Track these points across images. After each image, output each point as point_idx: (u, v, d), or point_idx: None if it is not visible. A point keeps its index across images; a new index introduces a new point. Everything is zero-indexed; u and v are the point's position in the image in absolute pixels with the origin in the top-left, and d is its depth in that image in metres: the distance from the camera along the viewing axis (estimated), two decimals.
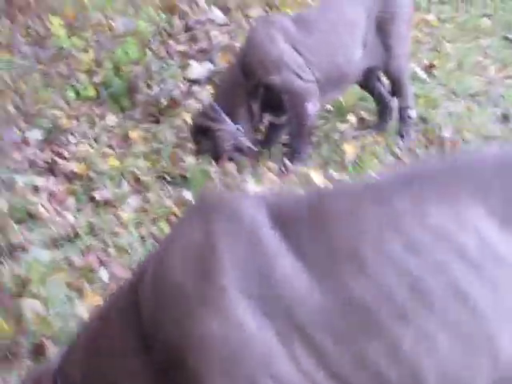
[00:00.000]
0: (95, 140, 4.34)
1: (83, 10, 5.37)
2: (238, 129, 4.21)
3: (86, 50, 4.94)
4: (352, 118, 4.84)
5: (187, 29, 6.12)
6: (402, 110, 4.58)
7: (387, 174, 1.83)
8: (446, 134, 4.54)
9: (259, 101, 4.21)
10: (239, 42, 6.05)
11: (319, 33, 4.22)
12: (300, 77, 4.09)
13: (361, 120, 4.88)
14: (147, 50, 5.14)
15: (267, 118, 4.46)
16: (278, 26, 4.17)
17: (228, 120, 4.19)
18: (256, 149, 4.29)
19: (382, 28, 4.34)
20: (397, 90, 4.58)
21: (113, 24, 5.16)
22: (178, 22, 6.00)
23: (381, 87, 4.70)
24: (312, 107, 4.14)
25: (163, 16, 5.70)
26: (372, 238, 1.33)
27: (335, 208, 1.41)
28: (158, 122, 4.72)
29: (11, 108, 4.19)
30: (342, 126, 4.74)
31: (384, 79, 4.67)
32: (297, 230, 1.36)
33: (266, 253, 1.34)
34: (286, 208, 1.44)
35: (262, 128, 4.55)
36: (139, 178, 3.85)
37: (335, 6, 4.40)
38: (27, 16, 5.24)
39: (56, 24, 4.97)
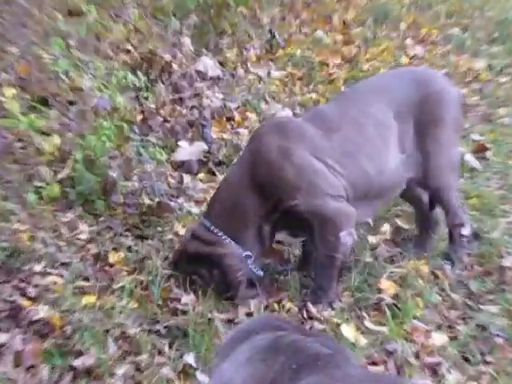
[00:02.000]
0: (65, 265, 4.47)
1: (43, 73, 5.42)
2: (246, 256, 4.45)
3: (48, 134, 5.01)
4: (386, 228, 5.10)
5: (172, 88, 6.35)
6: (452, 228, 4.87)
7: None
8: (508, 262, 4.80)
9: (273, 223, 4.47)
10: (235, 103, 6.36)
11: (343, 134, 4.49)
12: (331, 195, 4.33)
13: (397, 230, 5.14)
14: (126, 130, 5.27)
15: (281, 239, 4.75)
16: (294, 132, 4.43)
17: (233, 243, 4.42)
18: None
19: (421, 133, 4.64)
20: (441, 205, 4.89)
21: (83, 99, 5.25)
22: (160, 84, 6.21)
23: (422, 196, 5.00)
24: (347, 237, 4.37)
25: (142, 79, 5.79)
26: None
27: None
28: (142, 237, 4.92)
29: None
30: (374, 240, 5.01)
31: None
32: None
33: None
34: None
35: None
36: (126, 333, 3.97)
37: (359, 103, 4.65)
38: None
39: (8, 96, 4.98)
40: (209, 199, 4.85)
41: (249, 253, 4.40)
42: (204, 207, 4.91)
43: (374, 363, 3.91)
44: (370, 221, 4.97)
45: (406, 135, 4.57)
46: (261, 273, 4.46)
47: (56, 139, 5.03)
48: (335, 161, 4.36)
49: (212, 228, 4.40)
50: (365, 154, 4.44)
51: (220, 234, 4.38)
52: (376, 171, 4.45)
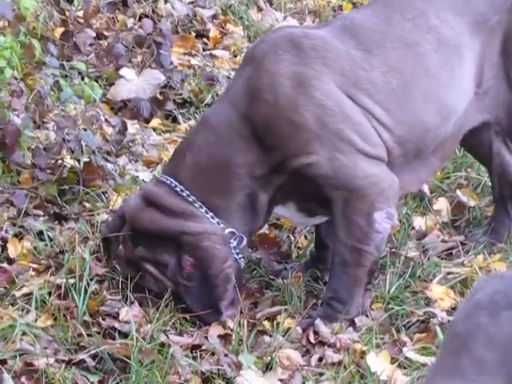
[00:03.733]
0: None
1: None
2: (231, 233, 4.40)
3: None
4: (441, 206, 5.08)
5: None
6: None
7: None
8: None
9: (273, 190, 4.44)
10: (210, 6, 6.35)
11: (390, 59, 4.47)
12: (365, 155, 4.31)
13: (458, 208, 5.11)
14: (38, 49, 5.26)
15: (285, 216, 4.74)
16: (312, 52, 4.38)
17: (212, 216, 4.39)
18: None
19: (509, 55, 4.64)
20: None
21: None
22: None
23: (506, 154, 4.92)
24: (384, 221, 4.33)
25: None
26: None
27: None
28: (60, 217, 4.87)
29: None
30: (423, 223, 4.99)
31: None
32: None
33: None
34: None
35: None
36: (34, 365, 3.97)
37: (410, 6, 4.65)
38: None
39: None
40: (175, 150, 4.83)
41: (233, 230, 4.36)
42: (168, 162, 4.83)
43: None
44: (426, 190, 5.00)
45: (487, 58, 4.60)
46: (242, 263, 4.43)
47: None
48: (376, 101, 4.36)
49: (180, 190, 4.34)
50: (421, 90, 4.45)
51: (193, 199, 4.33)
52: (437, 118, 4.46)
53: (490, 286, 2.59)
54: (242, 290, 4.33)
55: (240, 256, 4.36)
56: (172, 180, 4.30)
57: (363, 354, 4.11)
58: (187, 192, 4.28)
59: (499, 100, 4.41)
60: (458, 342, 2.81)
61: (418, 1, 4.54)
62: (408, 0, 4.60)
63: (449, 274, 4.43)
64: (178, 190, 4.26)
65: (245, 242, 4.37)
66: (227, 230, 4.30)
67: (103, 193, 4.81)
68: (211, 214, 4.28)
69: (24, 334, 4.13)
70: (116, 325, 4.25)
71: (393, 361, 4.11)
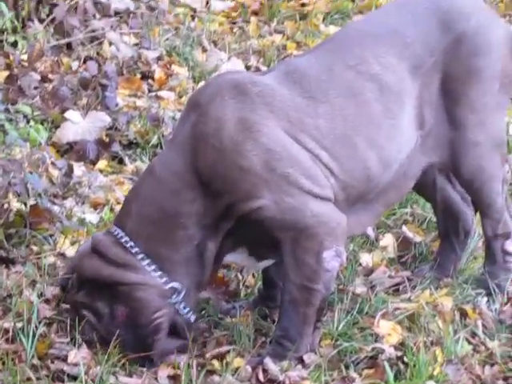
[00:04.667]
0: None
1: None
2: (172, 289, 4.39)
3: None
4: (388, 242, 5.12)
5: (56, 28, 6.36)
6: (491, 241, 4.88)
7: None
8: None
9: (222, 237, 4.43)
10: (155, 48, 6.37)
11: (334, 105, 4.48)
12: (313, 196, 4.32)
13: (404, 244, 5.15)
14: None
15: (236, 262, 4.74)
16: (257, 98, 4.39)
17: (154, 268, 4.37)
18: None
19: (450, 96, 4.69)
20: (476, 203, 4.89)
21: None
22: (36, 23, 6.22)
23: (449, 190, 4.98)
24: (334, 259, 4.34)
25: (7, 15, 5.85)
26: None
27: None
28: (7, 260, 4.87)
29: None
30: (370, 259, 5.01)
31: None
32: None
33: None
34: None
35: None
36: None
37: (351, 53, 4.65)
38: None
39: None
40: (122, 199, 4.89)
41: (177, 284, 4.35)
42: (105, 213, 4.83)
43: None
44: (371, 232, 5.03)
45: (428, 100, 4.65)
46: (192, 317, 4.41)
47: None
48: (322, 146, 4.39)
49: (125, 241, 4.34)
50: (364, 138, 4.48)
51: (136, 250, 4.33)
52: (380, 162, 4.49)
53: None
54: (185, 344, 4.35)
55: (187, 310, 4.37)
56: (119, 230, 4.30)
57: None
58: (131, 243, 4.28)
59: (442, 139, 4.51)
60: None
61: (360, 47, 4.57)
62: (350, 47, 4.61)
63: (396, 309, 4.43)
64: (123, 240, 4.27)
65: (190, 294, 4.36)
66: (170, 285, 4.31)
67: (50, 235, 4.81)
68: (154, 266, 4.28)
69: None
70: (65, 367, 4.24)
71: None
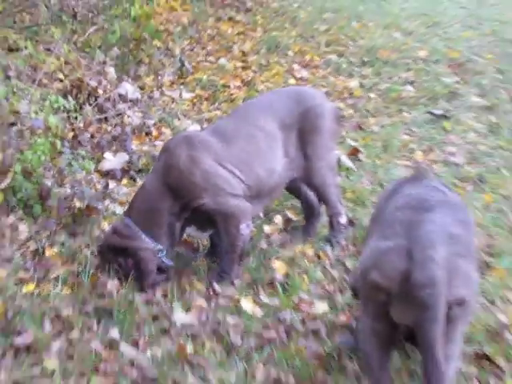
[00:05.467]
0: (8, 261, 4.43)
1: None
2: (158, 249, 4.42)
3: None
4: (278, 219, 5.14)
5: (98, 109, 6.33)
6: (331, 217, 4.93)
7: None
8: None
9: (183, 220, 4.46)
10: (152, 119, 6.35)
11: (239, 144, 4.53)
12: (232, 194, 4.37)
13: (287, 221, 5.18)
14: (59, 145, 5.25)
15: (192, 233, 4.73)
16: (199, 143, 4.44)
17: (148, 239, 4.40)
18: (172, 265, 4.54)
19: (302, 140, 4.72)
20: (322, 199, 4.94)
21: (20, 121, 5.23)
22: (87, 106, 6.20)
23: (307, 192, 5.03)
24: (246, 228, 4.43)
25: (72, 102, 5.80)
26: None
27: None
28: (74, 233, 4.88)
29: None
30: (269, 229, 5.04)
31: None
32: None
33: None
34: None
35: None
36: (60, 315, 3.94)
37: (250, 117, 4.69)
38: None
39: None
40: (130, 201, 4.82)
41: (161, 247, 4.37)
42: (126, 208, 4.83)
43: (268, 329, 3.94)
44: (261, 214, 5.09)
45: (290, 142, 4.65)
46: (170, 263, 4.43)
47: None
48: (234, 166, 4.40)
49: (131, 225, 4.36)
50: (256, 160, 4.51)
51: (137, 230, 4.35)
52: (266, 174, 4.52)
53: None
54: (170, 276, 4.46)
55: (167, 260, 4.42)
56: (128, 219, 4.35)
57: (239, 300, 4.18)
58: (134, 225, 4.32)
59: (299, 164, 4.62)
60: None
61: (253, 113, 4.64)
62: (248, 112, 4.67)
63: (283, 255, 4.61)
64: (130, 225, 4.29)
65: (168, 251, 4.42)
66: (157, 247, 4.36)
67: (96, 221, 4.85)
68: (147, 237, 4.32)
69: (55, 297, 4.17)
70: (105, 291, 4.25)
71: (254, 303, 4.16)
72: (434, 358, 2.33)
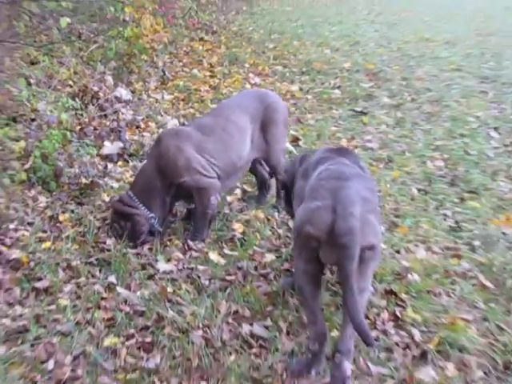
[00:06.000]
0: (30, 224, 4.37)
1: (13, 101, 5.34)
2: (151, 216, 4.38)
3: (17, 140, 4.90)
4: (237, 191, 5.13)
5: (99, 108, 6.24)
6: (279, 188, 4.92)
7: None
8: None
9: (171, 195, 4.43)
10: (141, 116, 6.27)
11: (216, 137, 4.48)
12: (205, 175, 4.34)
13: (244, 192, 5.16)
14: (69, 136, 5.19)
15: (182, 205, 4.71)
16: (184, 137, 4.40)
17: (143, 208, 4.37)
18: (161, 230, 4.48)
19: (264, 129, 4.69)
20: (275, 174, 4.91)
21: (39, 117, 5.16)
22: (90, 106, 6.11)
23: (262, 169, 5.01)
24: (214, 200, 4.41)
25: (78, 103, 5.76)
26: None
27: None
28: (81, 203, 4.82)
29: None
30: (230, 199, 5.01)
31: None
32: None
33: None
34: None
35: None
36: (71, 265, 3.91)
37: (225, 114, 4.64)
38: None
39: None
40: (125, 177, 4.90)
41: (153, 215, 4.35)
42: (121, 184, 4.82)
43: (229, 274, 3.94)
44: (238, 189, 5.10)
45: (255, 131, 4.63)
46: (160, 228, 4.40)
47: (22, 143, 4.96)
48: (210, 155, 4.38)
49: (132, 196, 4.34)
50: (229, 148, 4.46)
51: (136, 200, 4.33)
52: (236, 158, 4.50)
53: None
54: (162, 238, 4.40)
55: (158, 226, 4.38)
56: (130, 192, 4.35)
57: (207, 253, 4.15)
58: (135, 197, 4.30)
59: (261, 147, 4.59)
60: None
61: (227, 110, 4.59)
62: (223, 110, 4.63)
63: (241, 218, 4.58)
64: (132, 196, 4.29)
65: (161, 220, 4.41)
66: (150, 215, 4.33)
67: (98, 193, 4.85)
68: (144, 207, 4.31)
69: (67, 251, 4.15)
70: (105, 246, 4.26)
71: (219, 254, 4.16)
72: (350, 286, 2.46)
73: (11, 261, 3.90)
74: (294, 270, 3.52)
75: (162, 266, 4.05)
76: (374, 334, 3.34)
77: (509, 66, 9.05)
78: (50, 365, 3.00)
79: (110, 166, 5.32)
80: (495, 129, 6.50)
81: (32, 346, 3.17)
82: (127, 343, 3.21)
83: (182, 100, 7.32)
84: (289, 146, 5.98)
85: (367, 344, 2.49)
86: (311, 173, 3.30)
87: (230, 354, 3.14)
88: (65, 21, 6.28)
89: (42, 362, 3.05)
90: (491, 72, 8.70)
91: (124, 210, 4.31)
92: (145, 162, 4.61)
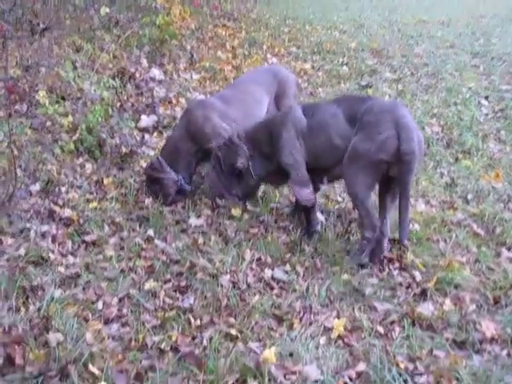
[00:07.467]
0: (79, 187, 4.39)
1: (61, 82, 5.34)
2: (178, 177, 4.34)
3: (66, 115, 4.89)
4: None
5: (136, 87, 6.21)
6: None
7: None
8: None
9: (197, 158, 4.40)
10: (173, 93, 6.22)
11: (236, 105, 4.43)
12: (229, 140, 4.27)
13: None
14: (110, 111, 5.18)
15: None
16: (209, 107, 4.36)
17: (171, 171, 4.33)
18: (190, 189, 4.42)
19: (277, 100, 4.66)
20: None
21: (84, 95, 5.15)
22: (128, 85, 6.08)
23: None
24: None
25: (118, 82, 5.74)
26: None
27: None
28: (122, 168, 4.81)
29: (18, 170, 4.18)
30: None
31: None
32: None
33: None
34: None
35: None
36: (115, 221, 3.92)
37: (243, 87, 4.61)
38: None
39: (41, 95, 4.93)
40: (160, 147, 4.78)
41: (180, 177, 4.31)
42: (156, 152, 4.79)
43: (252, 227, 3.93)
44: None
45: (269, 102, 4.62)
46: (189, 187, 4.36)
47: (70, 118, 4.95)
48: (232, 121, 4.34)
49: (161, 161, 4.30)
50: (249, 115, 4.41)
51: (164, 164, 4.28)
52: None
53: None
54: (186, 195, 4.32)
55: (186, 185, 4.32)
56: (159, 157, 4.31)
57: (232, 209, 4.02)
58: (163, 161, 4.25)
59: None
60: None
61: (244, 83, 4.54)
62: (241, 83, 4.61)
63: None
64: (161, 161, 4.24)
65: (187, 179, 4.36)
66: (179, 177, 4.29)
67: (137, 160, 4.84)
68: (172, 170, 4.27)
69: (111, 210, 4.14)
70: (143, 205, 4.26)
71: (242, 210, 4.07)
72: (408, 191, 3.04)
73: (63, 219, 3.91)
74: (356, 188, 3.23)
75: (194, 221, 4.04)
76: (381, 275, 3.33)
77: (497, 43, 9.10)
78: (100, 305, 3.05)
79: (146, 136, 5.29)
80: (485, 98, 6.53)
81: (83, 289, 3.22)
82: (165, 286, 3.22)
83: (209, 79, 7.25)
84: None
85: (401, 239, 3.22)
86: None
87: (254, 294, 3.14)
88: (104, 10, 6.29)
89: (93, 303, 3.07)
90: (481, 48, 8.68)
91: (153, 175, 4.29)
92: (173, 129, 4.59)
